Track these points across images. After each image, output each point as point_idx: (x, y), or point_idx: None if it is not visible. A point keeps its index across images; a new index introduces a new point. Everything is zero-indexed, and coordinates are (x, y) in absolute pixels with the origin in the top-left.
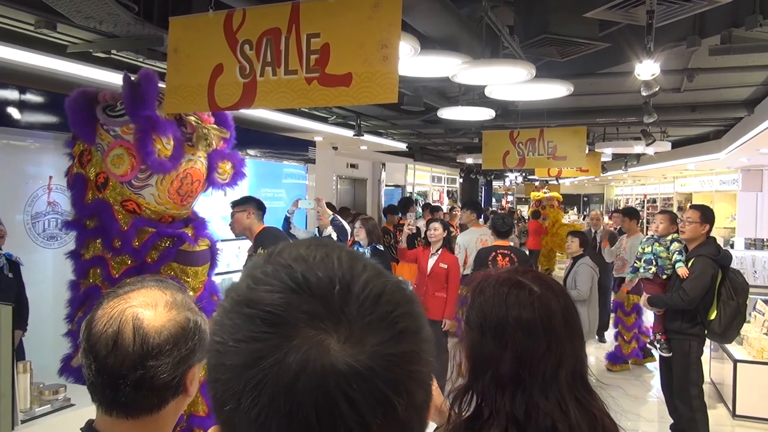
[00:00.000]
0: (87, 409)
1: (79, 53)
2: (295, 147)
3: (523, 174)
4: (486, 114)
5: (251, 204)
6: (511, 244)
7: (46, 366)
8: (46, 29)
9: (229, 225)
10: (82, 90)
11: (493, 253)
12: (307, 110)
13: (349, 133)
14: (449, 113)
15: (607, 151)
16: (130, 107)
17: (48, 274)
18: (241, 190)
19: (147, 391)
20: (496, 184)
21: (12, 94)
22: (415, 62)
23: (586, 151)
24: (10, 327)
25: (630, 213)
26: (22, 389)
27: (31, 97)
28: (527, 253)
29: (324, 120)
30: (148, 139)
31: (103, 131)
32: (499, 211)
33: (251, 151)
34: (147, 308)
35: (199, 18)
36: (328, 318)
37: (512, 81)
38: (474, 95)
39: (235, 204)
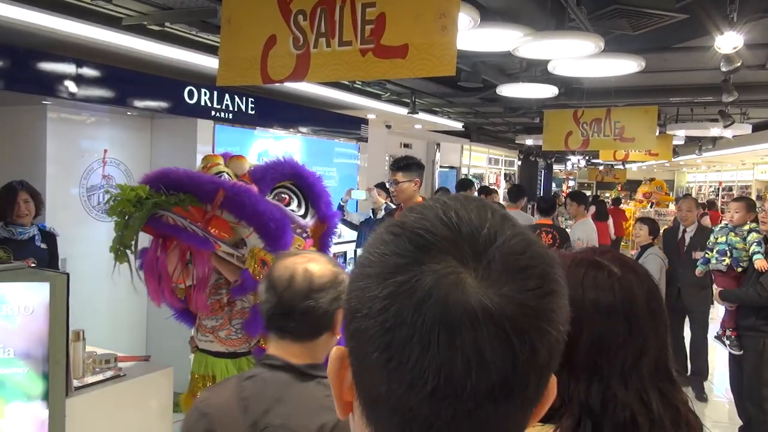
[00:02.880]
0: (137, 380)
1: (134, 26)
2: (348, 125)
3: (587, 157)
4: (548, 91)
5: (420, 173)
6: (554, 222)
7: (97, 337)
8: (102, 1)
9: (393, 192)
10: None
11: (537, 231)
12: (360, 86)
13: (403, 110)
14: (509, 90)
15: (679, 134)
16: (324, 208)
17: (102, 247)
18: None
19: (311, 319)
20: (556, 167)
21: (68, 67)
22: (474, 35)
23: (657, 133)
24: (64, 294)
25: (578, 197)
26: (75, 358)
27: (86, 70)
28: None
29: (377, 97)
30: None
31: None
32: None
33: (303, 129)
34: (312, 262)
35: None
36: (471, 255)
37: (578, 55)
38: (536, 72)
39: (402, 170)
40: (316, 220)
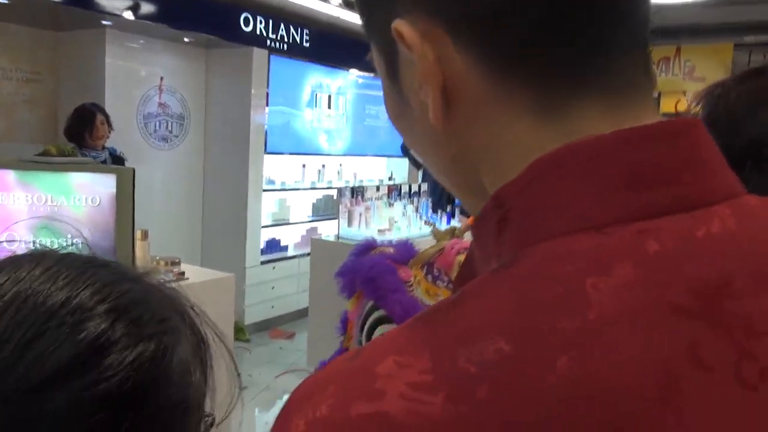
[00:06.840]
0: (199, 283)
1: None
2: None
3: None
4: None
5: None
6: None
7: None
8: None
9: None
10: None
11: None
12: None
13: None
14: None
15: None
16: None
17: (157, 173)
18: None
19: None
20: None
21: None
22: None
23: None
24: (130, 187)
25: None
26: (140, 256)
27: None
28: None
29: None
30: None
31: None
32: None
33: (358, 65)
34: None
35: None
36: None
37: None
38: None
39: None
40: None
